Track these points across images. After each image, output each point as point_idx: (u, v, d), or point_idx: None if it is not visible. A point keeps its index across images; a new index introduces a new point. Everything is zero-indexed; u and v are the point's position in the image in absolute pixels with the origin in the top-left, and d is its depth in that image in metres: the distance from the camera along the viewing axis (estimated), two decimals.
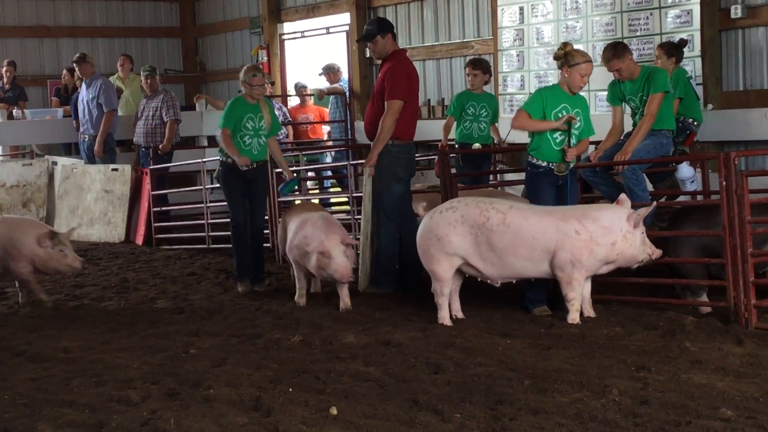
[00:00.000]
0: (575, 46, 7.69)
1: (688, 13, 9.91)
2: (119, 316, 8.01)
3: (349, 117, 14.19)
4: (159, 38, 17.80)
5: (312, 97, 14.61)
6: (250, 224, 8.79)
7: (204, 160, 11.80)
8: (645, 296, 7.57)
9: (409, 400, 5.33)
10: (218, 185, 13.19)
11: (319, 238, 7.64)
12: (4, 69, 14.85)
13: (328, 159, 14.00)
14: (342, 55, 14.85)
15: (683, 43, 9.22)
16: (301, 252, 7.85)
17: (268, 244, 10.18)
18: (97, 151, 12.82)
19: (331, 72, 14.33)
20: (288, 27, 15.77)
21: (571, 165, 7.43)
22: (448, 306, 7.28)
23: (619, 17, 10.52)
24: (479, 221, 7.07)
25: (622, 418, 4.96)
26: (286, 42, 15.86)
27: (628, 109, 8.23)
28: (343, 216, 10.32)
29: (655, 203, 7.27)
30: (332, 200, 12.97)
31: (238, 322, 7.55)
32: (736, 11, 9.62)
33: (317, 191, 13.16)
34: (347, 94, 14.19)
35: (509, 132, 10.43)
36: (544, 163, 7.39)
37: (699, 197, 8.44)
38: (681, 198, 8.67)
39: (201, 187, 11.64)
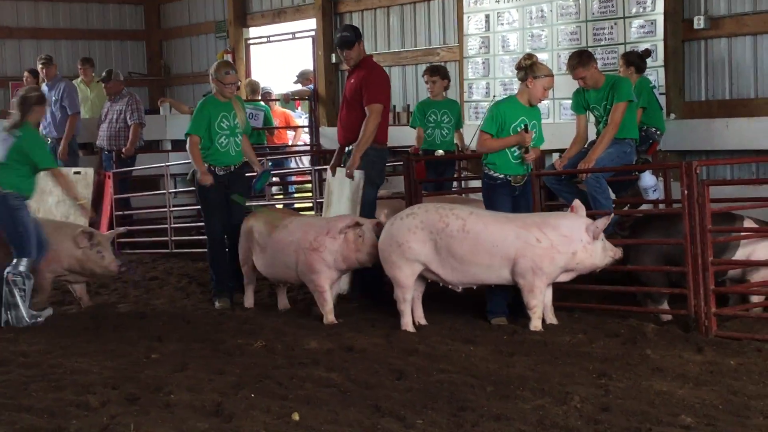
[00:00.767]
0: (540, 55, 7.73)
1: (652, 23, 9.99)
2: (80, 320, 7.94)
3: (314, 122, 14.17)
4: (123, 41, 17.67)
5: (278, 102, 14.57)
6: (228, 222, 8.37)
7: (168, 164, 11.73)
8: (607, 304, 7.62)
9: (372, 406, 5.32)
10: (183, 189, 13.18)
11: (347, 218, 7.53)
12: None
13: (293, 164, 13.96)
14: (307, 61, 14.83)
15: (647, 53, 9.29)
16: (314, 251, 7.52)
17: None
18: (61, 154, 12.69)
19: (305, 78, 14.35)
20: (254, 32, 15.71)
21: (527, 173, 7.48)
22: (411, 312, 7.28)
23: (584, 26, 10.58)
24: (439, 227, 7.08)
25: (583, 424, 4.98)
26: (251, 46, 15.81)
27: (592, 118, 8.28)
28: None
29: (612, 213, 7.29)
30: (296, 206, 12.92)
31: (200, 327, 7.51)
32: (699, 22, 9.71)
33: (281, 196, 13.13)
34: (312, 98, 14.18)
35: (473, 138, 10.46)
36: (501, 175, 7.43)
37: (661, 206, 8.51)
38: (643, 207, 8.73)
39: (164, 191, 11.57)
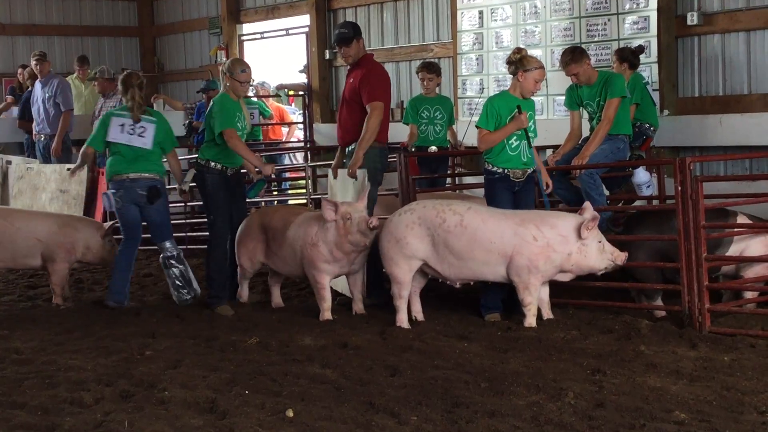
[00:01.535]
0: (534, 51, 7.72)
1: (645, 19, 10.00)
2: (73, 317, 7.93)
3: (308, 119, 14.16)
4: (116, 37, 17.63)
5: (272, 98, 14.56)
6: (230, 229, 8.18)
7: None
8: (601, 300, 7.62)
9: (366, 403, 5.32)
10: (176, 186, 13.15)
11: (330, 207, 7.40)
12: None
13: (287, 160, 13.94)
14: (301, 57, 14.81)
15: (640, 49, 9.30)
16: (312, 245, 7.49)
17: None
18: (55, 150, 12.68)
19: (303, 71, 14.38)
20: (247, 28, 15.69)
21: (529, 171, 7.45)
22: (409, 307, 7.28)
23: (577, 22, 10.59)
24: (436, 222, 7.09)
25: (577, 420, 4.99)
26: (245, 43, 15.79)
27: (585, 114, 8.28)
28: None
29: (595, 213, 7.16)
30: (290, 202, 12.92)
31: (194, 324, 7.50)
32: (692, 18, 9.72)
33: (276, 193, 13.12)
34: (306, 94, 14.17)
35: (465, 134, 10.46)
36: (500, 169, 7.41)
37: (655, 202, 8.52)
38: (637, 203, 8.74)
39: None
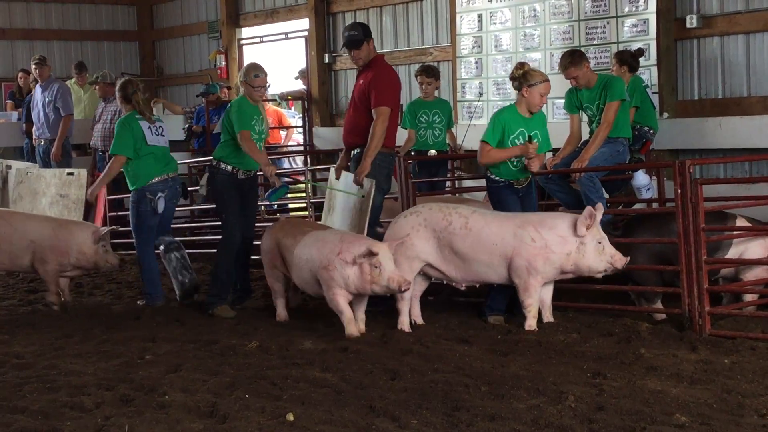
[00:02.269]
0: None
1: (645, 22, 10.00)
2: (73, 321, 7.93)
3: (307, 123, 14.16)
4: (116, 42, 17.66)
5: (271, 102, 14.57)
6: (244, 237, 8.12)
7: None
8: (601, 303, 7.62)
9: (366, 407, 5.32)
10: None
11: (361, 245, 6.84)
12: None
13: (286, 164, 13.94)
14: (300, 61, 14.83)
15: (640, 52, 9.30)
16: (327, 270, 6.96)
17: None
18: (54, 155, 12.68)
19: (305, 76, 14.36)
20: (246, 32, 15.71)
21: (530, 178, 7.48)
22: (409, 311, 7.28)
23: (576, 26, 10.60)
24: (442, 225, 7.12)
25: (578, 424, 4.99)
26: (244, 47, 15.80)
27: (585, 117, 8.29)
28: None
29: (591, 210, 7.02)
30: (290, 206, 12.92)
31: (194, 328, 7.50)
32: (691, 21, 9.73)
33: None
34: (305, 98, 14.18)
35: (465, 137, 10.48)
36: (503, 180, 7.44)
37: (654, 205, 8.52)
38: (636, 206, 8.74)
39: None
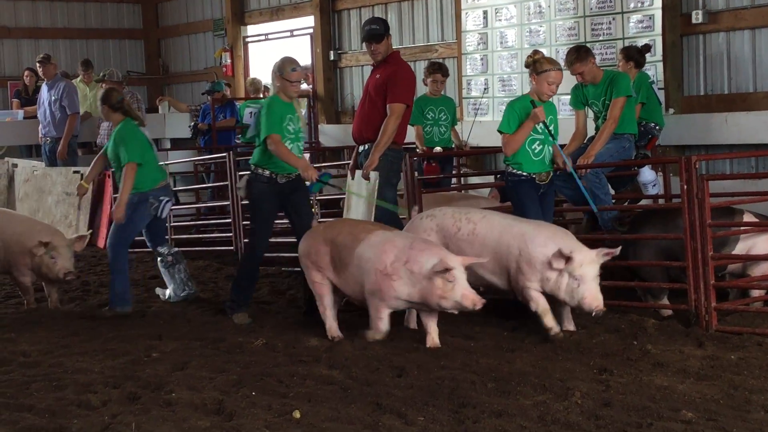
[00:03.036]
0: (540, 50, 7.70)
1: (650, 18, 9.99)
2: (80, 319, 7.94)
3: (312, 120, 14.16)
4: (121, 40, 17.68)
5: None
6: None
7: (167, 162, 11.71)
8: (607, 299, 7.60)
9: (373, 404, 5.32)
10: (182, 188, 13.16)
11: (435, 256, 6.32)
12: None
13: None
14: (305, 58, 14.83)
15: (647, 48, 9.28)
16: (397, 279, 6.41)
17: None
18: (60, 153, 12.71)
19: (308, 71, 14.34)
20: (251, 29, 15.72)
21: (551, 170, 7.38)
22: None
23: (582, 22, 10.59)
24: (451, 231, 7.08)
25: (584, 420, 4.98)
26: (249, 44, 15.81)
27: (590, 113, 8.28)
28: None
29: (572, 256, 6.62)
30: None
31: (200, 326, 7.51)
32: (697, 17, 9.72)
33: None
34: (310, 95, 14.18)
35: (470, 134, 10.47)
36: (525, 174, 7.35)
37: (660, 201, 8.51)
38: (642, 202, 8.73)
39: None
